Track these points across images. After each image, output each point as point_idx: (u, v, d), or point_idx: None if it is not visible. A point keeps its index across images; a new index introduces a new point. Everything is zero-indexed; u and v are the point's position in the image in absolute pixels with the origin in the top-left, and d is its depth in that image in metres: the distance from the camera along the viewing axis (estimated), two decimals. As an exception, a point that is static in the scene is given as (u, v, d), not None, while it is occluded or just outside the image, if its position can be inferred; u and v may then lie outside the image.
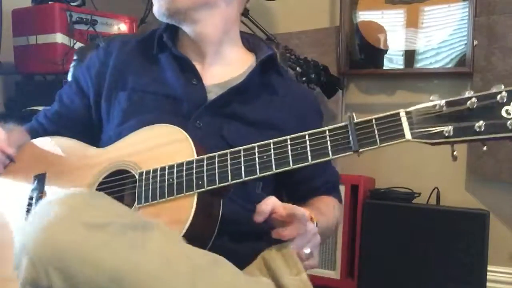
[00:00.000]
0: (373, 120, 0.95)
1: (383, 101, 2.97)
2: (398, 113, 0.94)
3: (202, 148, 1.11)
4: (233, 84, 1.30)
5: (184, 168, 1.07)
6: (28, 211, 1.23)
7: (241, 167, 1.04)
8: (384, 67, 2.96)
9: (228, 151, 1.06)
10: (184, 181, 1.06)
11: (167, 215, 1.06)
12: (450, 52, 2.76)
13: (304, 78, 2.77)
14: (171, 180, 1.08)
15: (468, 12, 2.68)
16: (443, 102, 0.91)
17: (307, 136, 1.01)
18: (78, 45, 2.44)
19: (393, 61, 2.92)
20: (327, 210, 1.32)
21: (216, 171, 1.05)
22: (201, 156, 1.07)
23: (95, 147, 1.27)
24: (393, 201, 2.67)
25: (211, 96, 1.28)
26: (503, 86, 0.89)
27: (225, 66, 1.35)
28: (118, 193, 1.15)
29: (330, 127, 1.00)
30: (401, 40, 2.88)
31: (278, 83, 1.37)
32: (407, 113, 0.93)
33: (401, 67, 2.90)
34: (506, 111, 0.87)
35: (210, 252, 0.95)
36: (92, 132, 1.36)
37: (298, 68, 2.77)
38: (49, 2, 2.55)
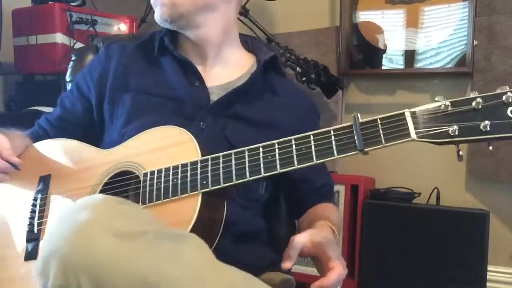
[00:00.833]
0: (378, 120, 0.96)
1: (383, 101, 2.98)
2: (403, 113, 0.94)
3: (206, 149, 1.11)
4: (235, 85, 1.31)
5: (189, 168, 1.07)
6: (32, 211, 1.23)
7: (245, 167, 1.04)
8: (384, 67, 2.96)
9: (232, 151, 1.06)
10: (189, 181, 1.06)
11: (171, 216, 1.05)
12: (450, 52, 2.76)
13: (304, 78, 2.77)
14: (175, 180, 1.08)
15: (468, 12, 2.68)
16: (448, 102, 0.91)
17: (311, 136, 1.01)
18: (78, 45, 2.45)
19: (393, 61, 2.92)
20: (336, 218, 1.34)
21: (221, 171, 1.05)
22: (206, 157, 1.07)
23: (99, 149, 1.27)
24: (393, 201, 2.67)
25: (214, 97, 1.29)
26: (507, 87, 0.89)
27: (226, 68, 1.36)
28: (123, 193, 1.15)
29: (335, 127, 1.00)
30: (401, 40, 2.88)
31: (278, 83, 1.39)
32: (412, 113, 0.94)
33: (401, 67, 2.90)
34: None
35: (241, 270, 0.94)
36: (94, 137, 1.36)
37: (298, 68, 2.78)
38: (49, 2, 2.55)
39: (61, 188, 1.23)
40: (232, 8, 1.35)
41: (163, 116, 1.25)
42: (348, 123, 0.98)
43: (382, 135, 0.94)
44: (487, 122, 0.88)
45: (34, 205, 1.24)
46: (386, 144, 0.94)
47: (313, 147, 1.00)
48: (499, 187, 2.67)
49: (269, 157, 1.03)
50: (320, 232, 1.11)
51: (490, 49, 2.63)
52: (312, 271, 2.68)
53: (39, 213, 1.23)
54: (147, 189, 1.10)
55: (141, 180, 1.11)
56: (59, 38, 2.48)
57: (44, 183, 1.26)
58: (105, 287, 0.80)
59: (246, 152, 1.05)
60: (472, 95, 0.91)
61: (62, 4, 2.51)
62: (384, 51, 2.93)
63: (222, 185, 1.05)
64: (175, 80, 1.31)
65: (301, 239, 1.05)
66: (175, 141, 1.13)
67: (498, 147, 2.56)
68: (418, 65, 2.85)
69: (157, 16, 1.29)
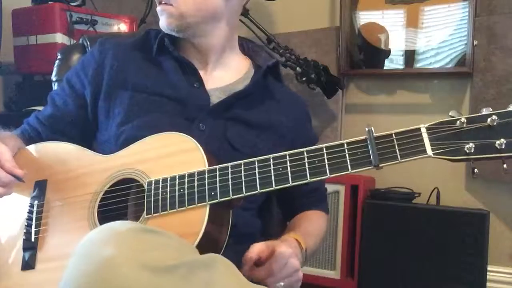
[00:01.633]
0: (393, 135, 0.95)
1: (383, 101, 2.98)
2: (419, 129, 0.94)
3: (213, 159, 1.09)
4: (234, 88, 1.32)
5: (196, 178, 1.05)
6: (28, 219, 1.19)
7: (256, 178, 1.02)
8: (384, 67, 2.95)
9: (241, 162, 1.04)
10: (196, 191, 1.04)
11: (178, 227, 1.02)
12: (450, 52, 2.76)
13: (304, 78, 2.76)
14: (182, 190, 1.05)
15: (468, 12, 2.68)
16: (463, 118, 0.91)
17: (324, 149, 1.00)
18: (79, 45, 2.43)
19: (393, 61, 2.92)
20: (316, 229, 1.35)
21: (230, 182, 1.03)
22: (214, 167, 1.05)
23: (97, 153, 1.24)
24: (393, 201, 2.67)
25: (213, 99, 1.29)
26: None
27: (225, 71, 1.36)
28: (125, 202, 1.13)
29: (348, 140, 0.99)
30: (401, 40, 2.88)
31: (275, 87, 1.40)
32: (427, 128, 0.94)
33: (401, 67, 2.90)
34: None
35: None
36: (87, 135, 1.34)
37: (298, 68, 2.77)
38: (49, 2, 2.54)
39: (59, 195, 1.19)
40: (235, 15, 1.36)
41: (163, 116, 1.24)
42: (362, 137, 0.98)
43: (397, 151, 0.94)
44: (502, 140, 0.88)
45: (30, 212, 1.19)
46: (402, 160, 0.94)
47: (326, 160, 0.99)
48: (499, 187, 2.68)
49: (280, 169, 1.01)
50: (278, 244, 1.10)
51: (490, 49, 2.63)
52: (312, 271, 2.71)
53: (36, 220, 1.18)
54: (152, 199, 1.07)
55: (145, 189, 1.08)
56: (59, 38, 2.47)
57: (40, 189, 1.21)
58: None
59: (256, 163, 1.03)
60: (485, 111, 0.91)
61: (62, 4, 2.51)
62: (384, 51, 2.92)
63: (232, 196, 1.03)
64: (176, 80, 1.30)
65: (257, 246, 1.05)
66: (180, 149, 1.11)
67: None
68: (418, 65, 2.85)
69: (163, 24, 1.28)
